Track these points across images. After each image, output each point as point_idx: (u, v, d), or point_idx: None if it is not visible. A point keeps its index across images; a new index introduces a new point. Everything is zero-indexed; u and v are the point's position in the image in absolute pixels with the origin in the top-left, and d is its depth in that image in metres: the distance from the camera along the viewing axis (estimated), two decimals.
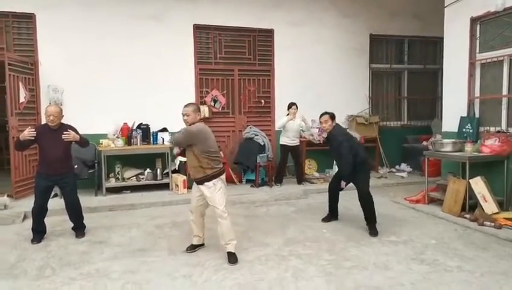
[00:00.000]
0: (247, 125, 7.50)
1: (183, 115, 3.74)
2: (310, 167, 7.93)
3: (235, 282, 3.31)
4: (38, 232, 4.38)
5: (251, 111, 7.68)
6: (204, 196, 3.75)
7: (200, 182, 3.73)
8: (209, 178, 3.68)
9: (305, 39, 7.90)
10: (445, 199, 5.36)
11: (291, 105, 6.86)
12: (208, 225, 4.13)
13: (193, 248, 4.02)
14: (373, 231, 4.49)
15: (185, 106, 3.80)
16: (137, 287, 3.24)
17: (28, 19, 6.43)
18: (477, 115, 5.77)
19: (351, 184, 4.73)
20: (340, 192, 5.03)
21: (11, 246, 4.22)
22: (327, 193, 5.12)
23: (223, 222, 3.70)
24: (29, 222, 4.59)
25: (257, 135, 7.26)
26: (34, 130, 4.14)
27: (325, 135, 7.59)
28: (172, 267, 3.61)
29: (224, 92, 7.53)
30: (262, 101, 7.75)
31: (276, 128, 7.46)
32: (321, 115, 4.80)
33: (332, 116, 4.75)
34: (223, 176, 3.81)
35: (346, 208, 5.35)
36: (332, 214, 5.11)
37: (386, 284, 3.23)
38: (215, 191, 3.69)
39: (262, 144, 7.15)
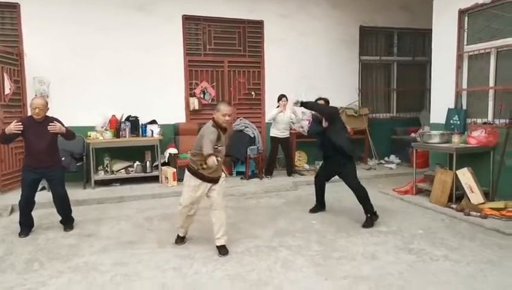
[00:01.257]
0: (238, 118, 7.47)
1: (228, 115, 3.59)
2: (300, 159, 7.96)
3: (225, 273, 3.32)
4: (26, 226, 4.33)
5: (241, 103, 7.66)
6: (215, 192, 3.73)
7: (218, 179, 3.76)
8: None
9: (295, 31, 7.88)
10: (432, 190, 5.43)
11: (281, 97, 6.86)
12: (197, 217, 4.11)
13: (182, 239, 4.01)
14: (369, 223, 4.47)
15: (227, 105, 3.63)
16: (126, 279, 3.23)
17: (12, 9, 6.28)
18: (464, 107, 5.84)
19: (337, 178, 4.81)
20: (327, 183, 5.08)
21: None
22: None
23: (224, 215, 3.76)
24: (16, 216, 4.54)
25: (247, 127, 7.25)
26: (20, 123, 4.06)
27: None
28: (161, 260, 3.60)
29: (214, 84, 7.48)
30: (253, 93, 7.73)
31: (267, 121, 7.45)
32: (316, 100, 4.82)
33: (326, 101, 4.83)
34: None
35: (336, 200, 5.39)
36: (320, 205, 5.15)
37: (374, 274, 3.27)
38: (223, 185, 3.84)
39: (252, 136, 7.15)
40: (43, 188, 5.54)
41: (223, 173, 3.84)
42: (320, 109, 4.72)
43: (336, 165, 4.68)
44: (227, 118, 3.60)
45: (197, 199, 3.76)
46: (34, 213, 4.42)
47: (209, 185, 3.72)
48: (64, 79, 6.49)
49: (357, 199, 4.64)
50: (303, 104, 4.66)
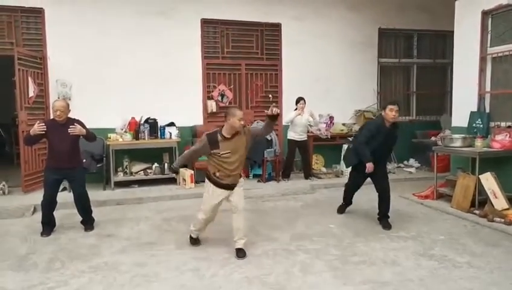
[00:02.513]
0: (255, 120, 7.48)
1: (242, 120, 3.66)
2: (317, 162, 7.90)
3: (243, 276, 3.32)
4: (48, 225, 4.42)
5: (258, 106, 7.66)
6: (235, 196, 3.75)
7: (235, 185, 3.76)
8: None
9: (313, 33, 7.84)
10: (454, 195, 5.31)
11: (299, 100, 6.83)
12: (215, 219, 4.12)
13: (197, 241, 4.03)
14: (387, 225, 4.52)
15: (239, 110, 3.74)
16: (145, 280, 3.26)
17: (37, 14, 6.46)
18: (487, 110, 5.70)
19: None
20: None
21: (21, 239, 4.27)
22: (334, 188, 5.13)
23: (243, 217, 3.77)
24: (38, 215, 4.63)
25: None
26: (43, 124, 4.16)
27: (332, 130, 7.59)
28: (180, 261, 3.62)
29: (231, 86, 7.51)
30: (270, 95, 7.70)
31: (284, 123, 7.44)
32: (392, 103, 4.51)
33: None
34: None
35: (355, 203, 5.30)
36: (347, 205, 5.16)
37: (395, 280, 3.21)
38: (242, 187, 3.84)
39: (269, 138, 7.13)
40: (64, 189, 5.65)
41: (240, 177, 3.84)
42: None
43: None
44: (242, 122, 3.64)
45: (217, 206, 3.79)
46: (55, 213, 4.51)
47: (227, 191, 3.73)
48: (85, 82, 6.63)
49: (383, 199, 4.62)
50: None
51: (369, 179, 4.78)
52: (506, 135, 5.16)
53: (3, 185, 6.00)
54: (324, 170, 7.76)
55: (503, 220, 4.54)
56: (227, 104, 7.46)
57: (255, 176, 7.25)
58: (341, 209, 5.18)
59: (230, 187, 3.73)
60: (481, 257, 3.67)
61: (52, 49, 6.49)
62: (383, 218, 4.60)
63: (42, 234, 4.35)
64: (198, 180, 6.29)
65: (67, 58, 6.53)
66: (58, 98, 6.18)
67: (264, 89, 7.69)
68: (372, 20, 8.18)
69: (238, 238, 3.72)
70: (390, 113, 4.41)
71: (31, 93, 6.06)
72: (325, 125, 7.74)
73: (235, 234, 3.73)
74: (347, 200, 5.16)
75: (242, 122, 3.62)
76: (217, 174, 3.66)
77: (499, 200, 4.84)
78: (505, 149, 5.11)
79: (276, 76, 7.75)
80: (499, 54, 5.51)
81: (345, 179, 5.59)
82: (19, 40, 6.40)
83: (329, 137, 7.50)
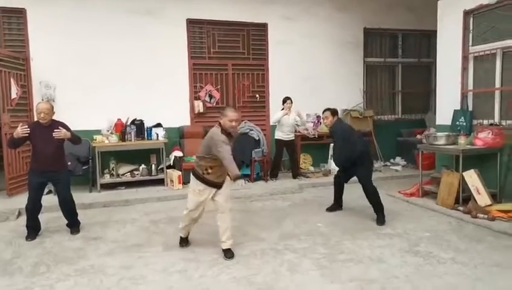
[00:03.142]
0: (242, 120, 7.48)
1: (235, 121, 3.69)
2: (305, 161, 7.95)
3: (231, 276, 3.32)
4: (33, 229, 4.36)
5: (246, 106, 7.67)
6: (220, 196, 3.74)
7: (223, 183, 3.76)
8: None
9: (299, 33, 7.88)
10: (439, 192, 5.39)
11: (286, 99, 6.85)
12: (204, 220, 4.12)
13: (186, 241, 4.02)
14: (380, 220, 4.63)
15: (234, 111, 3.77)
16: (132, 282, 3.24)
17: (19, 14, 6.34)
18: (470, 108, 5.80)
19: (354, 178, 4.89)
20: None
21: (6, 243, 4.20)
22: (322, 187, 5.17)
23: (229, 218, 3.76)
24: (23, 219, 4.56)
25: (252, 130, 7.25)
26: (27, 126, 4.09)
27: (319, 129, 7.69)
28: (167, 263, 3.61)
29: (218, 87, 7.50)
30: (257, 95, 7.73)
31: (271, 123, 7.46)
32: (323, 111, 4.98)
33: (333, 112, 4.91)
34: None
35: (343, 202, 5.35)
36: (337, 204, 5.22)
37: (381, 277, 3.25)
38: (229, 187, 3.84)
39: (257, 138, 7.15)
40: (50, 192, 5.58)
41: (227, 177, 3.81)
42: (335, 160, 5.09)
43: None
44: (233, 123, 3.60)
45: (202, 203, 3.76)
46: (40, 217, 4.45)
47: (214, 189, 3.72)
48: (70, 83, 6.54)
49: (366, 197, 4.77)
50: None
51: (355, 178, 4.86)
52: (489, 132, 5.26)
53: None
54: (312, 169, 7.81)
55: (486, 216, 4.63)
56: (214, 104, 7.45)
57: (243, 176, 7.23)
58: (331, 208, 5.23)
59: (218, 185, 3.72)
60: (465, 252, 3.74)
61: (35, 50, 6.39)
62: (376, 213, 4.73)
63: (27, 237, 4.28)
64: (186, 181, 6.26)
65: (50, 59, 6.43)
66: (42, 99, 6.11)
67: (251, 89, 7.70)
68: (358, 20, 8.26)
69: (226, 238, 3.72)
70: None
71: (14, 95, 5.96)
72: (312, 124, 7.79)
73: (221, 235, 3.73)
74: (336, 198, 5.23)
75: (233, 124, 3.61)
76: (209, 171, 3.63)
77: (482, 196, 4.93)
78: (487, 147, 5.20)
79: (263, 76, 7.77)
80: (481, 53, 5.61)
81: (332, 178, 5.63)
82: (1, 41, 6.28)
83: (316, 136, 7.55)
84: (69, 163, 5.27)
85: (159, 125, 6.86)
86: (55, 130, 4.12)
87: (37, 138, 4.15)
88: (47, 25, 6.42)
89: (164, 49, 7.05)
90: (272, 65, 7.74)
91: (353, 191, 5.24)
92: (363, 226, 4.55)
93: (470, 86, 5.84)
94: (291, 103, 6.83)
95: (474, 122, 5.73)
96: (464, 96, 5.86)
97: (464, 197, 5.13)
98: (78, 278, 3.34)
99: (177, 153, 6.65)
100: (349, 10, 8.18)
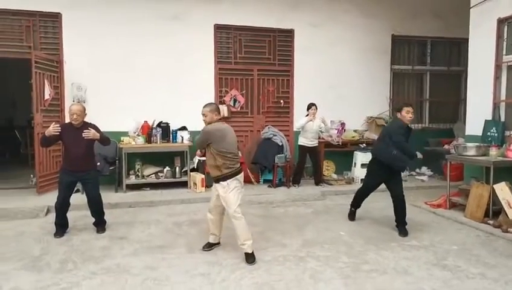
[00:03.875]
0: (266, 125, 7.50)
1: (202, 115, 3.85)
2: (328, 168, 7.87)
3: (253, 281, 3.31)
4: (61, 227, 4.49)
5: (270, 111, 7.68)
6: (222, 199, 3.76)
7: (217, 181, 3.76)
8: (224, 177, 3.69)
9: (325, 40, 7.85)
10: (467, 204, 5.23)
11: (310, 106, 6.82)
12: (226, 224, 4.14)
13: (209, 246, 4.05)
14: (404, 232, 4.51)
15: (204, 106, 3.90)
16: (156, 283, 3.29)
17: (54, 18, 6.59)
18: (502, 119, 5.62)
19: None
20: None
21: (35, 240, 4.34)
22: (345, 195, 5.10)
23: (236, 223, 3.71)
24: (52, 216, 4.71)
25: (275, 135, 7.25)
26: (58, 125, 4.24)
27: (343, 136, 7.58)
28: (190, 265, 3.64)
29: (244, 91, 7.54)
30: (282, 101, 7.73)
31: (295, 129, 7.43)
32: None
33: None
34: (240, 176, 3.80)
35: (366, 211, 5.28)
36: (356, 209, 5.14)
37: (407, 289, 3.17)
38: (229, 190, 3.69)
39: (280, 144, 7.14)
40: (77, 191, 5.72)
41: (228, 179, 3.71)
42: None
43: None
44: (203, 118, 3.85)
45: (214, 198, 3.87)
46: (69, 215, 4.58)
47: (215, 185, 3.79)
48: (100, 85, 6.73)
49: (398, 206, 4.61)
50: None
51: (382, 186, 4.75)
52: None
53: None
54: (335, 176, 7.73)
55: None
56: (238, 109, 7.50)
57: (265, 181, 7.25)
58: (351, 216, 5.14)
59: (214, 180, 3.80)
60: (495, 268, 3.61)
61: (68, 53, 6.62)
62: (400, 225, 4.58)
63: (55, 235, 4.41)
64: (208, 184, 6.31)
65: (82, 62, 6.64)
66: (73, 101, 6.32)
67: (275, 94, 7.71)
68: (385, 27, 8.16)
69: (242, 242, 3.73)
70: (407, 115, 4.44)
71: (47, 96, 6.17)
72: (336, 131, 7.71)
73: (237, 239, 3.77)
74: (355, 204, 5.11)
75: (203, 118, 3.85)
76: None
77: None
78: None
79: (288, 82, 7.76)
80: None
81: (356, 186, 5.57)
82: (37, 44, 6.53)
83: (340, 143, 7.48)
84: (98, 163, 5.40)
85: (184, 128, 6.96)
86: (84, 131, 4.24)
87: (69, 139, 4.29)
88: (80, 29, 6.64)
89: (191, 54, 7.16)
90: (297, 71, 7.74)
91: (378, 200, 5.16)
92: (388, 237, 4.46)
93: (503, 96, 5.66)
94: (316, 109, 6.80)
95: (507, 133, 5.54)
96: (496, 107, 5.68)
97: (494, 211, 4.95)
98: (104, 276, 3.41)
99: (201, 157, 6.69)
100: (377, 17, 8.09)
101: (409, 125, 4.63)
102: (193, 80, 7.17)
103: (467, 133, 6.22)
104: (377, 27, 8.10)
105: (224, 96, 7.44)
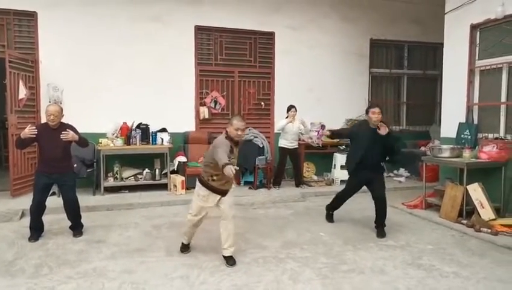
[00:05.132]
0: (247, 127, 7.51)
1: (242, 130, 3.67)
2: (309, 169, 7.94)
3: (232, 284, 3.31)
4: (36, 230, 4.37)
5: (251, 113, 7.70)
6: (225, 203, 3.73)
7: (228, 191, 3.75)
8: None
9: (305, 43, 7.94)
10: (442, 205, 5.38)
11: (290, 108, 6.88)
12: (206, 226, 4.13)
13: (187, 247, 4.02)
14: (382, 233, 4.58)
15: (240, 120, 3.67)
16: (134, 287, 3.24)
17: (30, 17, 6.44)
18: (475, 122, 5.80)
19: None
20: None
21: (9, 244, 4.21)
22: (325, 196, 5.14)
23: (232, 226, 3.74)
24: (26, 220, 4.59)
25: (256, 137, 7.28)
26: (34, 128, 4.14)
27: (323, 138, 7.65)
28: (169, 268, 3.61)
29: (224, 93, 7.54)
30: (262, 103, 7.77)
31: (275, 131, 7.48)
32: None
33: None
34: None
35: (346, 212, 5.35)
36: (334, 211, 5.18)
37: (382, 289, 3.24)
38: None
39: (261, 146, 7.17)
40: (53, 193, 5.60)
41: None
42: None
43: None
44: (239, 132, 3.62)
45: (205, 209, 3.78)
46: (44, 218, 4.47)
47: (219, 196, 3.73)
48: (77, 86, 6.60)
49: (379, 207, 4.65)
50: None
51: (364, 188, 4.82)
52: (494, 146, 5.25)
53: None
54: (315, 178, 7.80)
55: (489, 230, 4.61)
56: (219, 110, 7.49)
57: (246, 183, 7.26)
58: (329, 218, 5.18)
59: (223, 193, 3.73)
60: (468, 267, 3.72)
61: (44, 53, 6.47)
62: (379, 226, 4.65)
63: (30, 239, 4.29)
64: (189, 186, 6.27)
65: (59, 62, 6.51)
66: (50, 101, 6.17)
67: (256, 96, 7.74)
68: (364, 31, 8.31)
69: (228, 245, 3.72)
70: (373, 116, 4.51)
71: (22, 96, 6.01)
72: (316, 133, 7.78)
73: (224, 242, 3.73)
74: (334, 206, 5.14)
75: (239, 133, 3.62)
76: (214, 178, 3.64)
77: (486, 210, 4.91)
78: (492, 160, 5.20)
79: (269, 84, 7.81)
80: (487, 67, 5.63)
81: (336, 188, 5.62)
82: (11, 42, 6.37)
83: (320, 145, 7.54)
84: (75, 165, 5.29)
85: (164, 130, 6.90)
86: (63, 132, 4.16)
87: (45, 140, 4.19)
88: (57, 29, 6.50)
89: (172, 55, 7.12)
90: (277, 73, 7.79)
91: (358, 201, 5.24)
92: (366, 237, 4.53)
93: (476, 100, 5.84)
94: (296, 111, 6.86)
95: (479, 135, 5.73)
96: (469, 110, 5.86)
97: (467, 211, 5.10)
98: (80, 280, 3.34)
99: (181, 158, 6.67)
100: (356, 21, 8.23)
101: (389, 131, 4.53)
102: (173, 81, 7.13)
103: (442, 136, 6.39)
104: (356, 31, 8.25)
105: (205, 97, 7.42)
